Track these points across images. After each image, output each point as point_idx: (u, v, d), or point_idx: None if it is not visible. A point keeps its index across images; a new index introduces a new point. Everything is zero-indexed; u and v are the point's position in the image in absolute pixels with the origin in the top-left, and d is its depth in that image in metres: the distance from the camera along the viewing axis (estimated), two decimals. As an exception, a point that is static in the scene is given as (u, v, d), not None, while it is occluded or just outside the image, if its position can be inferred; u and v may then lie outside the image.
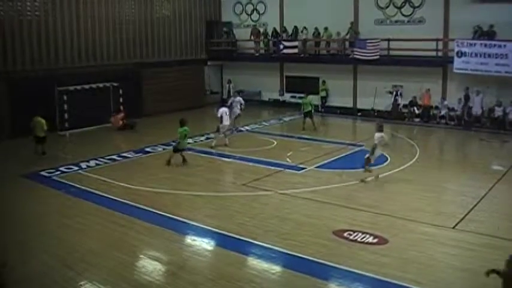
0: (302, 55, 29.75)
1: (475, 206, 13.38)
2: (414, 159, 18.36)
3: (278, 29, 31.43)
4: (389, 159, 18.26)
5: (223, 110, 20.88)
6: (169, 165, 17.75)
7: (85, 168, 17.65)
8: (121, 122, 24.53)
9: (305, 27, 29.69)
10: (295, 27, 30.10)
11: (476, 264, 9.98)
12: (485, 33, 23.61)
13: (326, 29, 28.65)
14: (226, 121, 20.83)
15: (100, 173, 17.06)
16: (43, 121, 19.10)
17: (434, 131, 24.65)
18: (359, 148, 20.32)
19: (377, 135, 15.89)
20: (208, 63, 33.41)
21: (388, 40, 25.92)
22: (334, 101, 29.47)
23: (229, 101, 23.83)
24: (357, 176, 15.99)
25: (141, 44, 28.98)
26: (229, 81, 32.97)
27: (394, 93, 26.40)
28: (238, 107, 23.66)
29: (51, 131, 22.92)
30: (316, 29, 29.22)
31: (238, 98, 24.04)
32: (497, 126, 23.42)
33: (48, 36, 24.29)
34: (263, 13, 32.86)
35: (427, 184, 15.51)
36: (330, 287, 9.50)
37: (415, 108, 26.17)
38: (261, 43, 32.37)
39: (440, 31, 25.36)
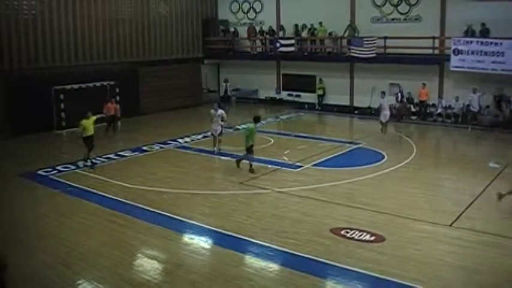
0: (299, 53, 29.72)
1: (472, 203, 13.44)
2: (411, 157, 18.39)
3: (275, 27, 31.47)
4: (386, 157, 18.33)
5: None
6: (252, 171, 16.67)
7: (82, 168, 17.63)
8: (113, 112, 22.76)
9: (304, 25, 29.68)
10: (296, 25, 30.08)
11: (473, 262, 10.05)
12: (474, 33, 23.66)
13: (321, 23, 28.68)
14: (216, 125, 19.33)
15: (97, 172, 17.05)
16: (93, 118, 17.95)
17: (431, 129, 24.68)
18: (356, 146, 20.36)
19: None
20: (205, 61, 33.39)
21: (385, 38, 25.94)
22: (331, 99, 29.51)
23: (211, 116, 19.46)
24: (354, 173, 16.05)
25: (138, 43, 28.94)
26: (226, 80, 33.02)
27: (400, 94, 25.80)
28: (220, 122, 19.40)
29: (48, 130, 23.10)
30: (311, 25, 29.26)
31: (220, 111, 19.58)
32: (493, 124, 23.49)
33: (45, 35, 24.24)
34: (260, 11, 32.86)
35: (423, 182, 15.57)
36: (327, 284, 9.54)
37: (412, 106, 26.18)
38: (258, 41, 32.45)
39: (436, 29, 25.39)
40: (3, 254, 6.23)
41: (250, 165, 16.77)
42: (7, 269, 7.29)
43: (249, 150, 16.86)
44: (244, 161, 17.06)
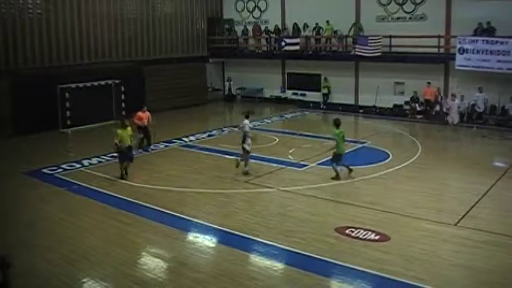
0: (304, 52, 29.69)
1: (477, 203, 13.39)
2: (416, 156, 18.35)
3: (280, 26, 31.45)
4: (391, 156, 18.30)
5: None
6: (338, 178, 15.54)
7: (87, 166, 17.68)
8: (145, 121, 19.93)
9: (306, 24, 29.65)
10: (296, 24, 30.12)
11: (478, 261, 10.03)
12: (485, 31, 23.60)
13: (328, 22, 28.63)
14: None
15: (102, 170, 17.08)
16: (129, 129, 16.16)
17: (437, 128, 24.59)
18: (361, 145, 20.33)
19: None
20: (210, 60, 33.42)
21: (390, 37, 25.90)
22: (336, 98, 29.47)
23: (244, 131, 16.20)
24: (359, 173, 16.02)
25: (143, 42, 29.00)
26: (229, 79, 33.08)
27: (440, 97, 24.92)
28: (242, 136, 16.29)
29: (53, 129, 23.16)
30: (316, 24, 29.22)
31: (246, 122, 16.34)
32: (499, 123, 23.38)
33: (50, 34, 24.32)
34: (264, 10, 32.87)
35: (429, 181, 15.51)
36: (332, 283, 9.53)
37: (417, 104, 26.12)
38: (262, 40, 32.48)
39: (442, 28, 25.32)
40: (8, 253, 6.26)
41: (337, 172, 15.76)
42: (11, 268, 7.30)
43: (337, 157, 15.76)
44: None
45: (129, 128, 16.12)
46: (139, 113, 19.83)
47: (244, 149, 16.14)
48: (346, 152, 16.20)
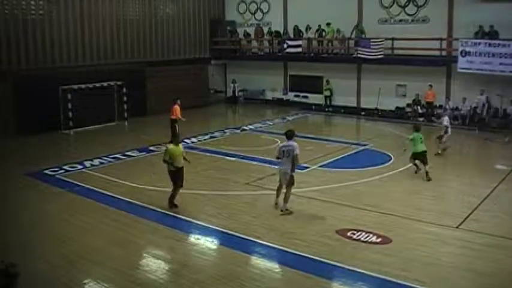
0: (306, 54, 29.69)
1: (479, 205, 13.36)
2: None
3: (281, 28, 31.43)
4: (392, 158, 18.27)
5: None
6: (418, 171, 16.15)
7: (89, 167, 17.68)
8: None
9: (309, 26, 29.63)
10: (296, 26, 30.08)
11: (480, 264, 9.99)
12: (487, 34, 23.58)
13: (329, 24, 28.60)
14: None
15: (104, 171, 17.08)
16: (181, 146, 13.79)
17: (438, 131, 24.51)
18: (363, 147, 20.31)
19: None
20: (212, 62, 33.43)
21: (392, 39, 25.87)
22: (338, 100, 29.44)
23: (277, 150, 13.82)
24: (361, 175, 15.99)
25: (145, 43, 29.02)
26: (234, 81, 33.01)
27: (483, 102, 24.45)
28: (290, 163, 13.12)
29: (55, 130, 23.17)
30: (319, 26, 29.20)
31: (290, 143, 13.47)
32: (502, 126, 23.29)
33: (52, 35, 24.35)
34: (267, 12, 32.87)
35: (430, 183, 15.47)
36: (333, 286, 9.52)
37: (419, 107, 26.10)
38: (265, 42, 32.47)
39: (444, 30, 25.30)
40: (14, 263, 6.24)
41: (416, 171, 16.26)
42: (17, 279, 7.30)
43: (413, 158, 16.25)
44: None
45: (180, 146, 13.71)
46: (176, 106, 20.59)
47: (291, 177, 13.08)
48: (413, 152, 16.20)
